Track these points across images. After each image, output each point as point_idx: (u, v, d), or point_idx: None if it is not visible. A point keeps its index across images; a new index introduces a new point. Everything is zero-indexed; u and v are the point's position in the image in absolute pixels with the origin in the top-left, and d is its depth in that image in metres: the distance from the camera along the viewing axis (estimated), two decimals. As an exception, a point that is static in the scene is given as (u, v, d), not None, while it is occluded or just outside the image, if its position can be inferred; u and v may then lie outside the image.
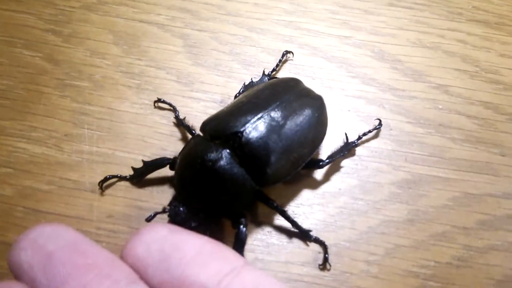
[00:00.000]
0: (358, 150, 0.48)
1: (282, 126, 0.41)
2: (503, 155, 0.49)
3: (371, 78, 0.53)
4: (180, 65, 0.52)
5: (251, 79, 0.51)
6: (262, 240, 0.44)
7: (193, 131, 0.46)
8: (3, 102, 0.49)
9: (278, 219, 0.45)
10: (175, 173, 0.41)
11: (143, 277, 0.32)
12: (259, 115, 0.42)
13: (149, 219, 0.41)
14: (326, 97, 0.48)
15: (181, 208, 0.39)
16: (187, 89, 0.51)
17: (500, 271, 0.43)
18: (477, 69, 0.54)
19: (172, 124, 0.49)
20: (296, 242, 0.44)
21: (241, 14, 0.57)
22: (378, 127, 0.49)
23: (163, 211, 0.40)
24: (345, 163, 0.48)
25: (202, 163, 0.39)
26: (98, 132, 0.48)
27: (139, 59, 0.53)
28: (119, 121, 0.48)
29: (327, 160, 0.45)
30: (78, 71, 0.51)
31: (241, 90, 0.49)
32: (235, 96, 0.48)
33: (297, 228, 0.43)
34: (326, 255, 0.44)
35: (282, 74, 0.53)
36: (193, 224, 0.39)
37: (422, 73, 0.54)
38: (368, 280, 0.43)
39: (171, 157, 0.44)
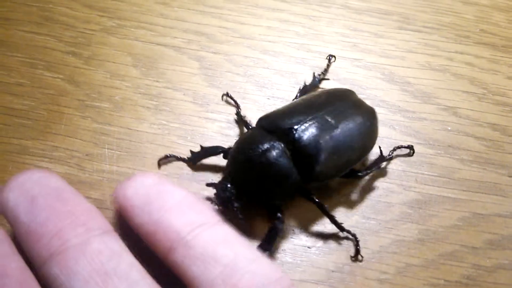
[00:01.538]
0: (369, 170, 0.50)
1: (334, 129, 0.44)
2: (510, 176, 0.50)
3: (381, 100, 0.55)
4: (196, 87, 0.54)
5: (304, 82, 0.55)
6: (277, 258, 0.45)
7: (250, 126, 0.50)
8: (25, 122, 0.51)
9: (292, 237, 0.46)
10: (229, 156, 0.45)
11: (127, 216, 0.36)
12: (313, 116, 0.46)
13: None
14: None
15: (229, 185, 0.42)
16: (203, 110, 0.53)
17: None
18: (485, 91, 0.56)
19: (189, 144, 0.50)
20: (310, 261, 0.45)
21: (254, 37, 0.59)
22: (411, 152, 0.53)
23: (211, 184, 0.45)
24: (357, 183, 0.49)
25: (256, 149, 0.43)
26: (118, 152, 0.50)
27: (157, 81, 0.54)
28: (137, 141, 0.50)
29: (365, 172, 0.49)
30: (98, 92, 0.53)
31: (298, 95, 0.53)
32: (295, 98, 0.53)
33: (333, 222, 0.47)
34: (358, 247, 0.47)
35: (292, 93, 0.56)
36: (235, 204, 0.43)
37: (431, 95, 0.55)
38: (380, 298, 0.44)
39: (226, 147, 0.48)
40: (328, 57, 0.58)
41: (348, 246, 0.47)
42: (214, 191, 0.44)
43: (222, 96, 0.54)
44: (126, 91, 0.53)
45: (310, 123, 0.44)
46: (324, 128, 0.44)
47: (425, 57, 0.58)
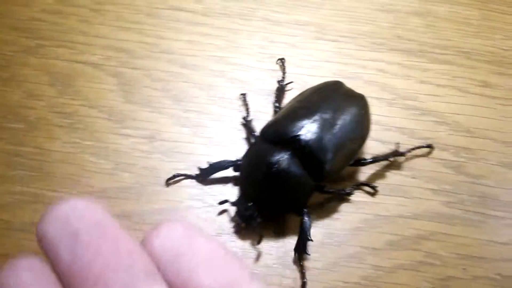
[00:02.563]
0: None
1: (334, 125, 0.47)
2: (414, 178, 0.52)
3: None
4: (112, 103, 0.56)
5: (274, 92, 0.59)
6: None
7: (254, 133, 0.52)
8: None
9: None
10: (241, 174, 0.47)
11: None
12: (313, 118, 0.48)
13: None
14: (256, 128, 0.54)
15: (250, 204, 0.45)
16: (118, 126, 0.54)
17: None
18: (395, 96, 0.58)
19: (101, 161, 0.52)
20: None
21: (174, 51, 0.60)
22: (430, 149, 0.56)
23: (226, 201, 0.47)
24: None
25: (268, 166, 0.45)
26: (30, 173, 0.51)
27: (73, 99, 0.56)
28: (49, 161, 0.51)
29: (370, 160, 0.52)
30: (14, 113, 0.54)
31: (275, 100, 0.55)
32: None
33: (341, 195, 0.51)
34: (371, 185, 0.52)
35: (210, 106, 0.59)
36: (258, 221, 0.45)
37: (343, 102, 0.57)
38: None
39: (234, 159, 0.50)
40: (278, 61, 0.61)
41: (253, 252, 0.50)
42: (233, 209, 0.47)
43: (240, 96, 0.57)
44: (41, 110, 0.55)
45: (312, 126, 0.46)
46: (325, 128, 0.46)
47: (339, 65, 0.61)
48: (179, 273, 0.34)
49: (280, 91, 0.57)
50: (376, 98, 0.58)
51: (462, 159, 0.53)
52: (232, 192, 0.52)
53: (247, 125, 0.52)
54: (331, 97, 0.49)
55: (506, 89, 0.59)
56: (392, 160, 0.53)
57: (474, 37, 0.63)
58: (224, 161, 0.49)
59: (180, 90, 0.57)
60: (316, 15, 0.64)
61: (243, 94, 0.57)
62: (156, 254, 0.34)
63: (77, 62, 0.59)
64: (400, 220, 0.49)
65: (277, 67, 0.60)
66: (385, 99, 0.57)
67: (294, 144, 0.45)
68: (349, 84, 0.57)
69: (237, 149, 0.54)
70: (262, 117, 0.56)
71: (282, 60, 0.60)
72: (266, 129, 0.48)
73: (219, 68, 0.59)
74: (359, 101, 0.51)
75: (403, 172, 0.52)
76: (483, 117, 0.57)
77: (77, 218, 0.33)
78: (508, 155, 0.54)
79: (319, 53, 0.61)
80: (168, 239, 0.35)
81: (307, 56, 0.61)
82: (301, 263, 0.48)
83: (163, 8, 0.63)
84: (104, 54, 0.60)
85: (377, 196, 0.51)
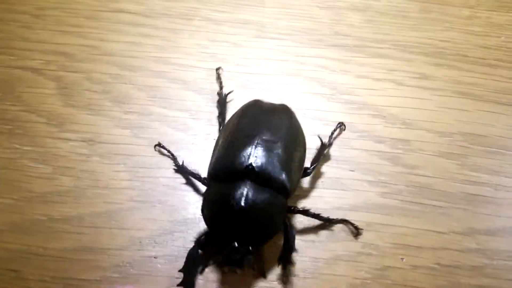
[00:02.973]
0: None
1: (276, 142, 0.47)
2: (352, 170, 0.53)
3: (236, 106, 0.57)
4: (51, 107, 0.56)
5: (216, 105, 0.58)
6: (121, 272, 0.49)
7: (198, 176, 0.51)
8: None
9: (139, 250, 0.50)
10: (210, 222, 0.46)
11: None
12: (254, 143, 0.47)
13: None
14: (194, 128, 0.56)
15: (236, 245, 0.43)
16: (57, 130, 0.54)
17: (346, 280, 0.47)
18: (334, 91, 0.59)
19: (40, 165, 0.52)
20: (155, 270, 0.49)
21: (114, 53, 0.61)
22: (342, 127, 0.57)
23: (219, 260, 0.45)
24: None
25: (238, 203, 0.44)
26: (-30, 180, 0.50)
27: (13, 105, 0.56)
28: (-10, 167, 0.51)
29: (312, 167, 0.51)
30: (-46, 122, 0.53)
31: (219, 126, 0.54)
32: (219, 133, 0.53)
33: (321, 219, 0.49)
34: (354, 225, 0.50)
35: (150, 106, 0.59)
36: (251, 258, 0.44)
37: (284, 98, 0.58)
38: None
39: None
40: (216, 70, 0.61)
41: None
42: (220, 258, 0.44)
43: (155, 147, 0.55)
44: (-20, 118, 0.54)
45: (258, 150, 0.46)
46: (270, 147, 0.46)
47: (280, 63, 0.61)
48: None
49: (222, 102, 0.57)
50: (316, 93, 0.59)
51: (399, 151, 0.55)
52: (177, 193, 0.53)
53: (185, 170, 0.52)
54: (258, 116, 0.49)
55: (443, 80, 0.60)
56: (326, 153, 0.54)
57: (412, 30, 0.65)
58: (191, 255, 0.47)
59: (120, 92, 0.58)
60: (257, 13, 0.65)
61: (158, 145, 0.55)
62: None
63: (17, 68, 0.59)
64: (339, 212, 0.51)
65: (219, 65, 0.60)
66: (325, 94, 0.59)
67: (250, 174, 0.44)
68: (290, 81, 0.58)
69: (178, 148, 0.55)
70: (203, 117, 0.56)
71: (218, 70, 0.60)
72: (214, 171, 0.46)
73: (159, 68, 0.60)
74: (286, 111, 0.51)
75: (341, 166, 0.54)
76: (418, 108, 0.58)
77: None
78: (444, 145, 0.56)
79: (259, 51, 0.62)
80: None
81: (248, 54, 0.62)
82: (286, 273, 0.48)
83: (103, 11, 0.64)
84: (44, 58, 0.60)
85: (316, 189, 0.52)
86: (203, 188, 0.51)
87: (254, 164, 0.46)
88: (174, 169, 0.54)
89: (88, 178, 0.51)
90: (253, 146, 0.47)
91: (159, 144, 0.54)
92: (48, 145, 0.53)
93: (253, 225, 0.44)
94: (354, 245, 0.48)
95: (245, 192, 0.44)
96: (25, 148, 0.53)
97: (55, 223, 0.48)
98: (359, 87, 0.59)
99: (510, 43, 0.63)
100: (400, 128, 0.56)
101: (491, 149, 0.55)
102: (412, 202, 0.52)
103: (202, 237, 0.46)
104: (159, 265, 0.47)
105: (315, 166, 0.51)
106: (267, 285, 0.47)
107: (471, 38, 0.64)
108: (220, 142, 0.49)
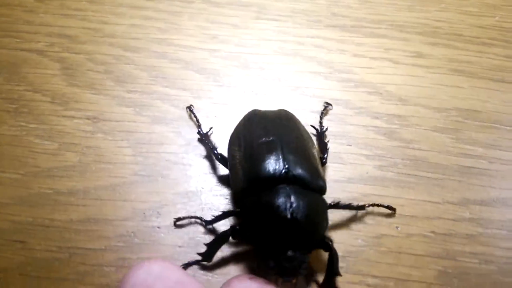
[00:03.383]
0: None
1: (297, 143, 0.47)
2: (349, 145, 0.55)
3: (235, 85, 0.59)
4: (55, 87, 0.57)
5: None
6: (126, 241, 0.51)
7: (216, 150, 0.52)
8: None
9: (142, 220, 0.52)
10: (258, 235, 0.43)
11: None
12: (281, 147, 0.47)
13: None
14: (196, 106, 0.58)
15: (292, 253, 0.41)
16: (61, 109, 0.56)
17: (342, 248, 0.48)
18: (331, 70, 0.61)
19: (46, 142, 0.54)
20: (158, 239, 0.51)
21: (117, 35, 0.62)
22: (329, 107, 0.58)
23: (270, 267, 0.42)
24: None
25: (285, 209, 0.42)
26: (-24, 156, 0.51)
27: (18, 85, 0.57)
28: (-4, 144, 0.52)
29: (325, 155, 0.52)
30: (-39, 101, 0.55)
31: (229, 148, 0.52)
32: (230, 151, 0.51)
33: (353, 209, 0.50)
34: (386, 206, 0.51)
35: (153, 86, 0.61)
36: (305, 266, 0.42)
37: (282, 77, 0.60)
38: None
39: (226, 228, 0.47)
40: (187, 109, 0.60)
41: (196, 223, 0.51)
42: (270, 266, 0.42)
43: (187, 109, 0.57)
44: (-14, 97, 0.56)
45: (285, 153, 0.46)
46: (295, 150, 0.46)
47: (278, 43, 0.63)
48: None
49: (204, 138, 0.55)
50: (313, 72, 0.60)
51: (395, 126, 0.56)
52: (179, 167, 0.55)
53: (204, 139, 0.53)
54: (268, 123, 0.50)
55: (438, 58, 0.62)
56: (325, 130, 0.56)
57: (408, 10, 0.66)
58: (221, 234, 0.46)
59: (123, 72, 0.59)
60: (256, -5, 0.65)
61: (189, 107, 0.57)
62: None
63: (22, 50, 0.61)
64: (336, 184, 0.52)
65: (219, 46, 0.62)
66: (322, 73, 0.60)
67: (287, 179, 0.43)
68: (289, 60, 0.60)
69: (179, 125, 0.57)
70: (204, 95, 0.58)
71: (190, 108, 0.57)
72: (249, 183, 0.45)
73: (161, 49, 0.62)
74: (288, 114, 0.52)
75: (339, 141, 0.55)
76: (414, 85, 0.59)
77: (156, 280, 0.34)
78: (440, 120, 0.57)
79: (259, 32, 0.64)
80: (145, 277, 0.35)
81: (248, 35, 0.63)
82: None
83: (106, -6, 0.65)
84: (48, 41, 0.61)
85: (314, 163, 0.53)
86: (208, 163, 0.54)
87: (290, 168, 0.45)
88: (197, 137, 0.56)
89: (93, 153, 0.53)
90: (280, 151, 0.46)
91: (189, 107, 0.57)
92: (53, 123, 0.54)
93: (305, 228, 0.43)
94: (350, 215, 0.50)
95: (290, 198, 0.43)
96: (31, 125, 0.55)
97: (60, 196, 0.50)
98: (356, 66, 0.61)
99: (505, 22, 0.64)
100: (397, 104, 0.57)
101: (486, 123, 0.56)
102: (407, 174, 0.53)
103: (237, 227, 0.46)
104: (162, 235, 0.48)
105: (327, 153, 0.53)
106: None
107: (466, 18, 0.65)
108: (238, 156, 0.48)
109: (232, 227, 0.46)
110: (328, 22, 0.64)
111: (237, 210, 0.48)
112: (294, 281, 0.40)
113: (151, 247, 0.48)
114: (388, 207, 0.51)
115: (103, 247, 0.48)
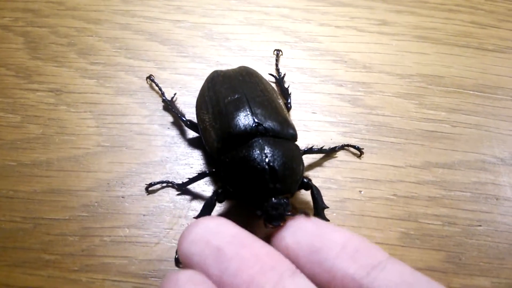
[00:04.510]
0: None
1: (262, 95, 0.49)
2: (314, 113, 0.55)
3: (200, 56, 0.59)
4: (19, 61, 0.57)
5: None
6: (89, 211, 0.51)
7: (183, 116, 0.53)
8: None
9: (107, 190, 0.52)
10: (242, 186, 0.44)
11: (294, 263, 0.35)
12: (247, 103, 0.48)
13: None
14: (159, 77, 0.58)
15: (275, 201, 0.42)
16: (25, 82, 0.55)
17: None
18: (297, 39, 0.61)
19: (9, 115, 0.53)
20: (123, 209, 0.51)
21: (80, 8, 0.62)
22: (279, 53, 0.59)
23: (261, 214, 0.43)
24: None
25: (262, 160, 0.44)
26: None
27: (-18, 60, 0.56)
28: (-41, 120, 0.52)
29: (289, 100, 0.55)
30: None
31: (202, 106, 0.52)
32: (198, 110, 0.52)
33: (324, 152, 0.53)
34: (356, 147, 0.54)
35: (116, 57, 0.61)
36: (289, 208, 0.42)
37: (247, 48, 0.60)
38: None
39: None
40: (147, 79, 0.60)
41: (160, 190, 0.52)
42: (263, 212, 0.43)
43: (147, 79, 0.57)
44: (-51, 73, 0.55)
45: (255, 109, 0.47)
46: (262, 103, 0.48)
47: (244, 13, 0.63)
48: (320, 264, 0.35)
49: (170, 106, 0.56)
50: (279, 42, 0.60)
51: (359, 93, 0.56)
52: (144, 138, 0.55)
53: (170, 107, 0.53)
54: (232, 81, 0.51)
55: (403, 26, 0.62)
56: (283, 76, 0.57)
57: (373, -21, 0.66)
58: (207, 206, 0.47)
59: (86, 44, 0.59)
60: (221, -34, 0.65)
61: (149, 77, 0.57)
62: (292, 251, 0.36)
63: (-14, 25, 0.59)
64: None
65: (183, 17, 0.62)
66: (288, 42, 0.60)
67: (258, 131, 0.45)
68: (254, 30, 0.60)
69: (143, 96, 0.57)
70: (168, 66, 0.58)
71: (150, 78, 0.59)
72: (223, 141, 0.46)
73: (124, 21, 0.61)
74: (249, 69, 0.53)
75: (303, 108, 0.55)
76: (379, 53, 0.60)
77: (214, 235, 0.34)
78: (403, 86, 0.58)
79: (223, 2, 0.64)
80: (300, 236, 0.36)
81: (212, 5, 0.63)
82: None
83: (69, -32, 0.64)
84: (12, 16, 0.61)
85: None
86: (173, 133, 0.55)
87: (259, 121, 0.46)
88: (162, 105, 0.56)
89: (56, 125, 0.53)
90: (248, 106, 0.47)
91: (150, 77, 0.57)
92: (16, 96, 0.54)
93: (284, 175, 0.44)
94: (315, 181, 0.50)
95: (264, 149, 0.44)
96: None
97: (24, 168, 0.50)
98: (321, 35, 0.61)
99: (470, -11, 0.64)
100: (361, 72, 0.58)
101: (449, 88, 0.57)
102: (370, 139, 0.54)
103: (220, 190, 0.46)
104: (126, 204, 0.49)
105: (290, 98, 0.55)
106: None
107: (431, -15, 0.65)
108: (207, 118, 0.49)
109: (214, 191, 0.47)
110: (293, -9, 0.63)
111: (212, 170, 0.49)
112: (282, 223, 0.40)
113: (116, 216, 0.48)
114: (356, 148, 0.54)
115: (67, 217, 0.48)
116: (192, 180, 0.49)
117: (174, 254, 0.46)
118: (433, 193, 0.50)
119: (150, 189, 0.50)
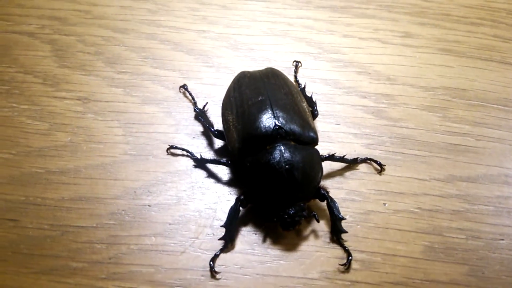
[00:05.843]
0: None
1: (286, 99, 0.49)
2: (338, 124, 0.55)
3: (225, 66, 0.59)
4: (47, 69, 0.58)
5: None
6: (116, 218, 0.52)
7: (212, 126, 0.54)
8: None
9: (134, 199, 0.53)
10: (259, 193, 0.47)
11: None
12: (270, 105, 0.49)
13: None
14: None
15: (291, 211, 0.45)
16: (52, 90, 0.56)
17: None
18: (321, 50, 0.61)
19: (37, 122, 0.54)
20: (149, 217, 0.52)
21: (107, 17, 0.63)
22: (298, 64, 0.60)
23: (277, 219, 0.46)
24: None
25: (282, 166, 0.45)
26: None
27: (10, 67, 0.58)
28: (-12, 125, 0.52)
29: (315, 107, 0.55)
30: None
31: (223, 112, 0.53)
32: (224, 115, 0.52)
33: (347, 162, 0.53)
34: (377, 162, 0.53)
35: (142, 67, 0.61)
36: (305, 213, 0.46)
37: (271, 58, 0.60)
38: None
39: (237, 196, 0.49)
40: (180, 88, 0.61)
41: (186, 199, 0.52)
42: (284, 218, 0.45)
43: (180, 88, 0.57)
44: (-22, 79, 0.56)
45: (277, 112, 0.48)
46: (286, 106, 0.49)
47: (268, 24, 0.63)
48: None
49: (201, 116, 0.56)
50: (303, 53, 0.61)
51: (383, 105, 0.57)
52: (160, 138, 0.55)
53: (200, 117, 0.54)
54: (257, 83, 0.51)
55: (426, 38, 0.62)
56: (304, 86, 0.57)
57: (397, -9, 0.66)
58: (234, 210, 0.48)
59: (113, 53, 0.60)
60: (246, -23, 0.66)
61: (183, 86, 0.58)
62: None
63: (13, 32, 0.61)
64: (325, 163, 0.52)
65: (209, 27, 0.64)
66: (311, 53, 0.61)
67: (279, 134, 0.47)
68: (278, 41, 0.60)
69: (169, 105, 0.58)
70: (193, 76, 0.59)
71: (184, 87, 0.60)
72: (244, 143, 0.47)
73: (151, 31, 0.62)
74: (275, 71, 0.53)
75: (327, 120, 0.56)
76: (403, 65, 0.60)
77: None
78: (427, 99, 0.58)
79: (248, 13, 0.64)
80: None
81: (237, 16, 0.64)
82: (341, 241, 0.49)
83: (95, -23, 0.65)
84: (39, 23, 0.62)
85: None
86: (198, 142, 0.55)
87: (280, 124, 0.47)
88: (193, 114, 0.57)
89: (83, 133, 0.54)
90: (270, 109, 0.48)
91: (184, 86, 0.57)
92: (44, 104, 0.55)
93: (302, 184, 0.45)
94: (339, 192, 0.51)
95: (284, 156, 0.45)
96: (22, 106, 0.55)
97: (52, 175, 0.51)
98: (345, 46, 0.61)
99: (493, 2, 0.65)
100: (385, 84, 0.58)
101: (473, 102, 0.57)
102: (394, 152, 0.54)
103: (242, 197, 0.47)
104: (153, 213, 0.49)
105: (316, 106, 0.54)
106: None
107: (454, -2, 0.65)
108: (231, 119, 0.49)
109: (237, 198, 0.48)
110: (317, 3, 0.65)
111: (228, 161, 0.50)
112: (297, 227, 0.44)
113: (142, 224, 0.49)
114: (378, 163, 0.53)
115: (95, 225, 0.48)
116: (211, 161, 0.51)
117: (200, 263, 0.47)
118: (457, 207, 0.50)
119: (170, 150, 0.53)
